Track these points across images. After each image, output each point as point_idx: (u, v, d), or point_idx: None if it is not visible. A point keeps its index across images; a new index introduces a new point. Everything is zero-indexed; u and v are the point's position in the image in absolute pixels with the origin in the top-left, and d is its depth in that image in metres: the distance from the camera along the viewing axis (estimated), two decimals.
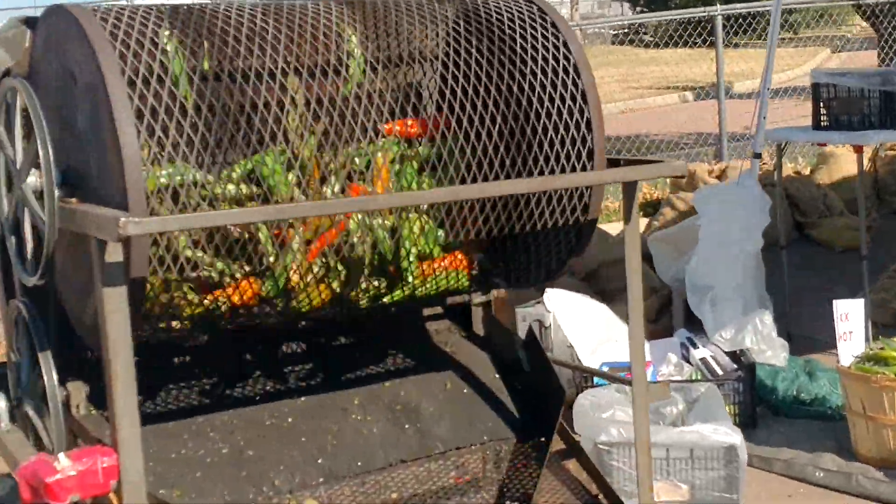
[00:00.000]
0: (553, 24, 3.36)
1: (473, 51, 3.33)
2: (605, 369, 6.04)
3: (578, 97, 3.24)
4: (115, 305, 2.79)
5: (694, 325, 6.25)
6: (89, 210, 2.82)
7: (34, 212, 3.03)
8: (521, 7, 3.41)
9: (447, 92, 3.31)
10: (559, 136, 3.27)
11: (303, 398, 3.71)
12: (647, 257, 7.33)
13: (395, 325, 3.97)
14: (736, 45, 17.56)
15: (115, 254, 2.77)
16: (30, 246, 3.16)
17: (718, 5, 11.22)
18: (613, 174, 3.21)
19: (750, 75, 16.76)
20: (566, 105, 3.27)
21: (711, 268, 6.08)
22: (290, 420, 3.62)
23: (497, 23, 3.40)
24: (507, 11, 3.42)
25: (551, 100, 3.26)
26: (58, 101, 3.15)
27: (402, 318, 3.99)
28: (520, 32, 3.36)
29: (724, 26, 11.51)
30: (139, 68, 2.90)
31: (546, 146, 3.27)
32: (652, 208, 9.35)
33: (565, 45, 3.33)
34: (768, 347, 5.93)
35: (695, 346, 6.06)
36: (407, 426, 3.70)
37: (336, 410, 3.71)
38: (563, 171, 3.27)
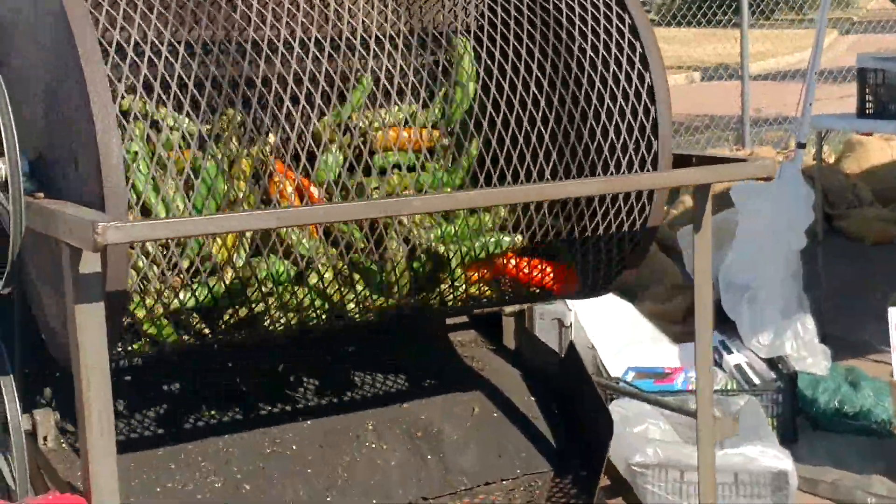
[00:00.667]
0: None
1: (512, 24, 2.82)
2: (631, 374, 5.57)
3: (642, 85, 2.75)
4: (89, 324, 2.29)
5: (726, 326, 5.80)
6: (58, 209, 2.32)
7: None
8: None
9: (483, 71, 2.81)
10: (617, 126, 2.78)
11: (308, 422, 3.24)
12: (668, 249, 6.88)
13: (413, 334, 3.48)
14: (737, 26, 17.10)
15: (90, 264, 2.28)
16: None
17: None
18: (689, 175, 2.70)
19: (759, 56, 16.26)
20: (624, 89, 2.78)
21: (749, 266, 5.64)
22: (294, 448, 3.16)
23: None
24: None
25: (604, 82, 2.78)
26: (26, 69, 2.65)
27: (421, 326, 3.51)
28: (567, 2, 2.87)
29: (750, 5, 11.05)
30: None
31: (599, 137, 2.77)
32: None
33: (627, 18, 2.84)
34: (809, 354, 5.49)
35: (728, 350, 5.65)
36: (429, 456, 3.23)
37: (347, 437, 3.23)
38: (618, 167, 2.78)
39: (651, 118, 2.76)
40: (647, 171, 2.76)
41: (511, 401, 3.41)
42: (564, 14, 2.83)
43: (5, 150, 2.47)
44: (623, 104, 2.81)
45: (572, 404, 3.36)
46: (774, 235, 5.60)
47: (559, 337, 5.38)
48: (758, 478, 4.17)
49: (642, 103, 2.79)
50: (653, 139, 2.75)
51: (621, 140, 2.81)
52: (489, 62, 2.81)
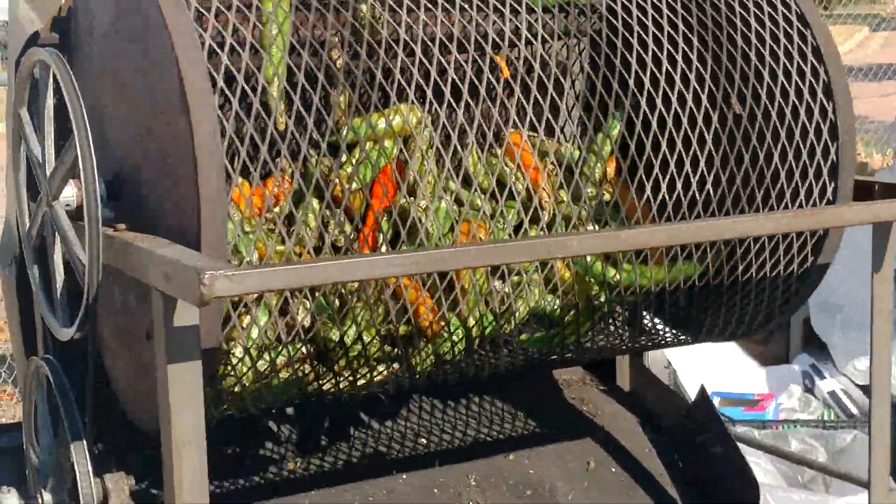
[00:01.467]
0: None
1: (680, 42, 2.41)
2: (717, 400, 5.16)
3: (824, 119, 2.34)
4: (183, 390, 1.89)
5: (814, 348, 5.40)
6: (152, 249, 1.90)
7: (69, 242, 2.12)
8: None
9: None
10: (789, 147, 2.37)
11: (403, 476, 2.84)
12: None
13: (513, 373, 3.08)
14: None
15: (187, 316, 1.87)
16: (60, 282, 2.26)
17: None
18: (888, 209, 2.26)
19: None
20: (799, 102, 2.37)
21: (846, 283, 5.20)
22: None
23: None
24: None
25: (782, 94, 2.36)
26: (105, 83, 2.24)
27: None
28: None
29: None
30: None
31: (776, 161, 2.36)
32: None
33: (800, 16, 2.42)
34: None
35: (821, 375, 5.24)
36: None
37: (447, 493, 2.84)
38: (794, 198, 2.36)
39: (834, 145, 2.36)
40: (827, 202, 2.35)
41: (631, 454, 3.00)
42: (739, 31, 2.42)
43: (80, 169, 2.06)
44: (792, 122, 2.41)
45: (704, 461, 2.94)
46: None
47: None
48: None
49: (827, 122, 2.39)
50: (836, 167, 2.35)
51: (800, 168, 2.40)
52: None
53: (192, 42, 1.97)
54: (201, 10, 2.13)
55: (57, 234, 2.20)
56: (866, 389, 5.01)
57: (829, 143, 2.37)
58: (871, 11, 21.06)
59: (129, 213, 2.14)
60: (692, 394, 4.85)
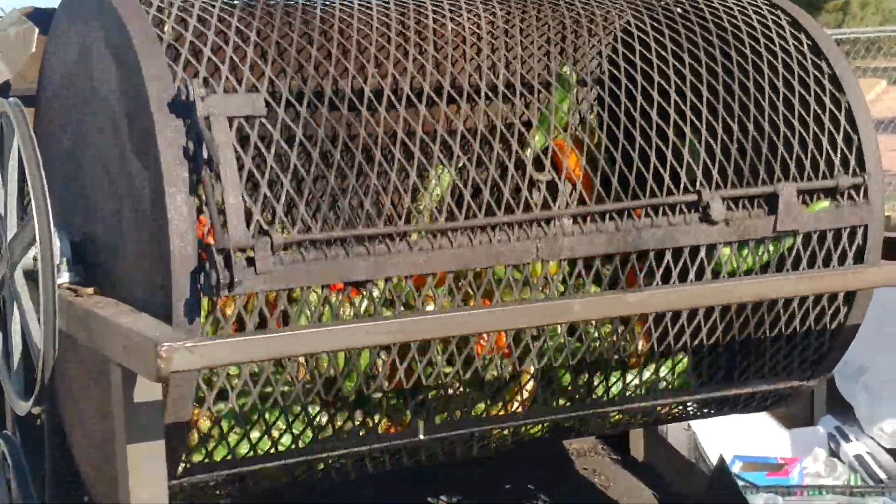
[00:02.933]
0: (804, 33, 2.28)
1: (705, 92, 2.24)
2: (738, 465, 4.94)
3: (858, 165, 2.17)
4: (143, 472, 1.71)
5: (839, 410, 5.20)
6: (110, 318, 1.73)
7: (23, 309, 1.94)
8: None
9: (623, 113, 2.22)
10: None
11: None
12: None
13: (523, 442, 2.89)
14: None
15: (149, 391, 1.69)
16: (19, 350, 2.08)
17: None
18: None
19: None
20: (819, 150, 2.20)
21: (870, 344, 5.00)
22: None
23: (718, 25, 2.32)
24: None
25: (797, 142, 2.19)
26: (77, 136, 2.08)
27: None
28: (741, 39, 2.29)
29: None
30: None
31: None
32: None
33: (821, 55, 2.26)
34: None
35: (847, 438, 5.03)
36: None
37: None
38: (827, 260, 2.18)
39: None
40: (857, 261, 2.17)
41: None
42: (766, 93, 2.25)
43: (36, 231, 1.89)
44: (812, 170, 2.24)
45: None
46: None
47: None
48: None
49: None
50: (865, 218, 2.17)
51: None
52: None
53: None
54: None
55: (14, 301, 2.03)
56: (894, 453, 4.83)
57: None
58: (890, 64, 20.95)
59: (104, 277, 1.97)
60: (713, 457, 4.66)
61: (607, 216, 2.03)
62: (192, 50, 1.89)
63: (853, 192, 2.21)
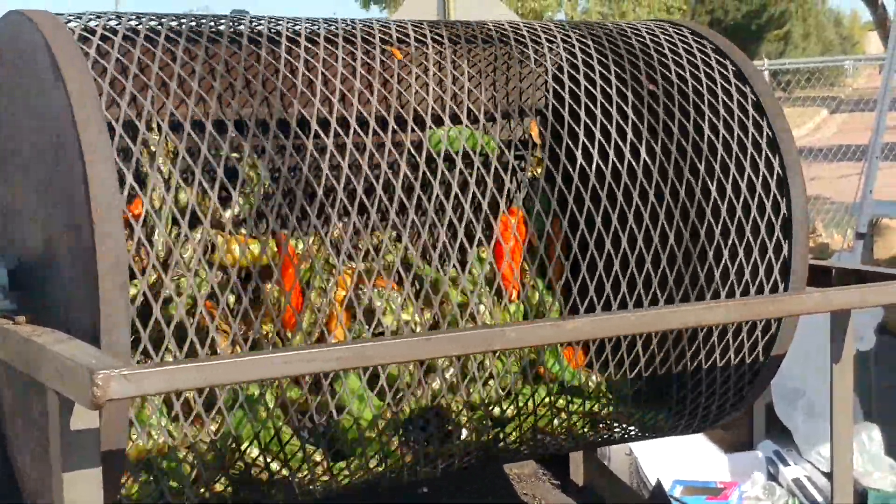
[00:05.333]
0: (732, 65, 2.33)
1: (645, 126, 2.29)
2: (679, 489, 4.99)
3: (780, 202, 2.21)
4: (78, 495, 1.71)
5: (777, 434, 5.26)
6: (45, 345, 1.74)
7: None
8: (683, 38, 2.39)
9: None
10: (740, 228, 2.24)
11: None
12: None
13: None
14: None
15: (86, 419, 1.70)
16: None
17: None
18: (845, 297, 2.12)
19: None
20: (749, 179, 2.24)
21: (804, 368, 5.07)
22: None
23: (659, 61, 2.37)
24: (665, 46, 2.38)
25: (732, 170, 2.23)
26: (6, 156, 2.09)
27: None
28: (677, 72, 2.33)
29: None
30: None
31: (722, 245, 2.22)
32: None
33: (748, 87, 2.31)
34: (875, 469, 4.96)
35: (785, 462, 5.09)
36: None
37: None
38: (745, 286, 2.22)
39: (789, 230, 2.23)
40: (782, 288, 2.22)
41: None
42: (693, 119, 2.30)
43: None
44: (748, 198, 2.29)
45: None
46: None
47: None
48: None
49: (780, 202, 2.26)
50: (784, 253, 2.22)
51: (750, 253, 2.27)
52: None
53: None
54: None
55: None
56: (829, 476, 4.87)
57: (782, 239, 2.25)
58: (830, 94, 21.27)
59: (37, 304, 1.98)
60: (653, 481, 4.70)
61: None
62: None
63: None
